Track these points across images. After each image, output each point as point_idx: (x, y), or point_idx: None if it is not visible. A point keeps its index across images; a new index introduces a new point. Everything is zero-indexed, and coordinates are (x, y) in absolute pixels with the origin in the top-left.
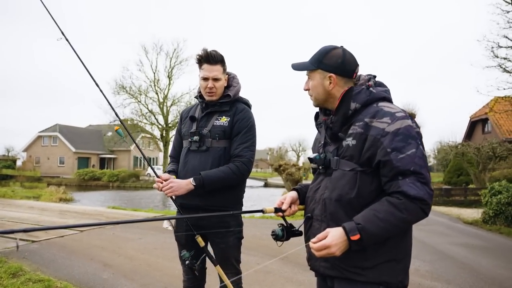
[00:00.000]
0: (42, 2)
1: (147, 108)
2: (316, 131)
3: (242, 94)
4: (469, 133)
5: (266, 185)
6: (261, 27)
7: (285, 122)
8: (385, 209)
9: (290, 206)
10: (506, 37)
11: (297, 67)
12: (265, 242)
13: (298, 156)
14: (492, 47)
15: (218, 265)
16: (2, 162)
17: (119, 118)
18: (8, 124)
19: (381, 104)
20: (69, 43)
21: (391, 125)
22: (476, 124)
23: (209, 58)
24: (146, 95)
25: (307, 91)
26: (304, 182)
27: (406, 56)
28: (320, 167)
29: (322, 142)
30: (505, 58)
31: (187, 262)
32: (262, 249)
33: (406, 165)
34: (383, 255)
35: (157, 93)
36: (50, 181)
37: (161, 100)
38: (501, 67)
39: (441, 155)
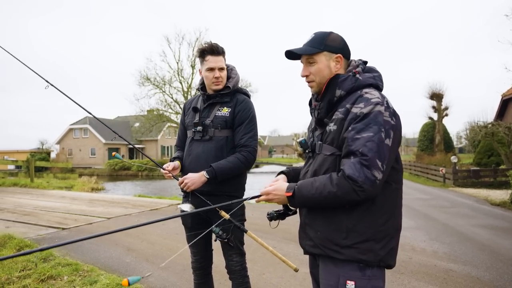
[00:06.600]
0: None
1: (172, 98)
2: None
3: (263, 76)
4: (501, 112)
5: None
6: (284, 5)
7: None
8: (322, 180)
9: None
10: None
11: (300, 51)
12: (282, 226)
13: None
14: None
15: (248, 231)
16: (37, 154)
17: (111, 129)
18: (36, 117)
19: (365, 90)
20: None
21: (363, 109)
22: (509, 103)
23: (213, 50)
24: (170, 85)
25: (306, 77)
26: None
27: (435, 34)
28: (307, 151)
29: (313, 127)
30: None
31: (215, 238)
32: (279, 233)
33: (356, 146)
34: (361, 235)
35: (181, 83)
36: (82, 172)
37: (185, 89)
38: None
39: (471, 136)
